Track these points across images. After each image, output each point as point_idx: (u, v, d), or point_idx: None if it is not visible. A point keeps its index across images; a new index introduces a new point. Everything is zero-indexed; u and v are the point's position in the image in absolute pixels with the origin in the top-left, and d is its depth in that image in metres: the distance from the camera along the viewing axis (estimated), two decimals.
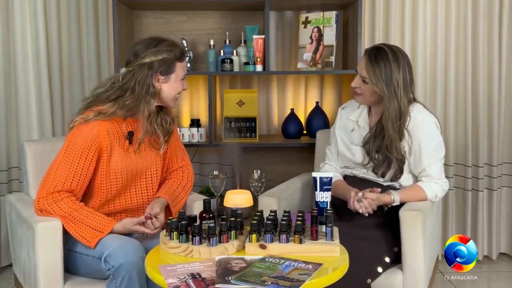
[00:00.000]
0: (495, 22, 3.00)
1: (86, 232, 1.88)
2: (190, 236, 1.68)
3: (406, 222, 1.98)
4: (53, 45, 2.94)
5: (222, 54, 2.96)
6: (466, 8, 3.00)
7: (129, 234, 1.96)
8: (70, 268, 1.96)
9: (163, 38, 2.01)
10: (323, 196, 1.87)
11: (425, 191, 2.11)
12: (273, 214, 1.77)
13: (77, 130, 1.93)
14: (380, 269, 1.99)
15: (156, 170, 2.10)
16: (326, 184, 1.88)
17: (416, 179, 2.17)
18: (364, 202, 2.04)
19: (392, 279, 2.01)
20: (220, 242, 1.66)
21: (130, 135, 2.01)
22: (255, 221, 1.68)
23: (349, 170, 2.29)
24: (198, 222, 1.76)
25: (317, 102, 3.05)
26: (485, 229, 3.11)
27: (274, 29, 3.13)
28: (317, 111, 3.03)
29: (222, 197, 2.21)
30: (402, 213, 1.99)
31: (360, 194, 2.05)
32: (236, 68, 2.92)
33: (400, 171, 2.13)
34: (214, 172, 2.49)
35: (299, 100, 3.19)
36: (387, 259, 2.02)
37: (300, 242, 1.65)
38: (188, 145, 2.78)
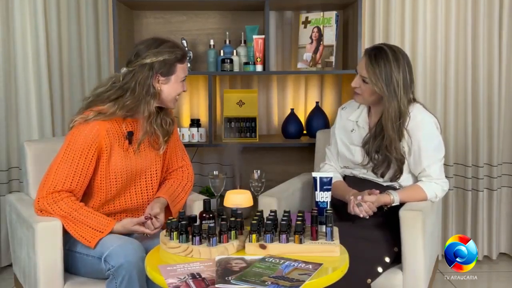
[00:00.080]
0: (495, 22, 3.00)
1: (86, 232, 1.88)
2: (190, 236, 1.68)
3: (406, 222, 1.97)
4: (53, 45, 2.94)
5: (222, 54, 2.96)
6: (466, 8, 2.99)
7: (129, 234, 1.96)
8: (70, 268, 1.96)
9: (165, 39, 2.01)
10: (323, 196, 1.88)
11: (425, 191, 2.11)
12: (273, 214, 1.77)
13: (77, 130, 1.93)
14: (380, 269, 1.99)
15: (156, 170, 2.10)
16: (326, 184, 1.88)
17: (415, 179, 2.17)
18: (364, 206, 2.03)
19: (392, 279, 2.00)
20: (220, 242, 1.66)
21: (130, 135, 2.01)
22: (255, 221, 1.68)
23: (349, 170, 2.29)
24: (198, 222, 1.76)
25: (317, 102, 3.05)
26: (485, 229, 3.11)
27: (274, 29, 3.13)
28: (317, 111, 3.03)
29: (222, 197, 2.21)
30: (402, 213, 1.99)
31: (359, 198, 2.05)
32: (236, 68, 2.92)
33: (399, 171, 2.12)
34: (214, 172, 2.48)
35: (299, 100, 3.19)
36: (387, 259, 2.02)
37: (300, 242, 1.65)
38: (188, 145, 2.78)
